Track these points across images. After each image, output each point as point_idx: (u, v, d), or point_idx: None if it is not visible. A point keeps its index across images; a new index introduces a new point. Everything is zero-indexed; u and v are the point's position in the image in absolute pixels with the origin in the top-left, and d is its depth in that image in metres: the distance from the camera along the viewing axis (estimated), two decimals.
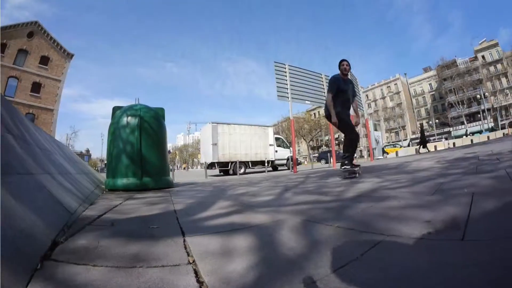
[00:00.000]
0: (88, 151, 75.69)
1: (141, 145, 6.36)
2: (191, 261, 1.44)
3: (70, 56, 44.05)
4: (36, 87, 39.31)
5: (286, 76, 14.10)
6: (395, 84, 76.35)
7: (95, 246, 1.66)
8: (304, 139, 69.35)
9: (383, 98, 78.00)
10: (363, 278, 1.11)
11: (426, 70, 72.95)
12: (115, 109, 7.10)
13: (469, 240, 1.36)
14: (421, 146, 21.36)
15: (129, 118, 6.45)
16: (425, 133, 22.86)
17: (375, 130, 24.99)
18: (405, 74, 72.87)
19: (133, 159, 6.20)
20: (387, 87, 77.86)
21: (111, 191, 5.99)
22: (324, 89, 15.36)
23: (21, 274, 1.14)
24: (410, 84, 73.86)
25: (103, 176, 9.27)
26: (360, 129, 70.48)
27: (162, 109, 7.39)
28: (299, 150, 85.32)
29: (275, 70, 14.00)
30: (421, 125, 24.97)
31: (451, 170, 4.07)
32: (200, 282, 1.21)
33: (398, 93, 75.14)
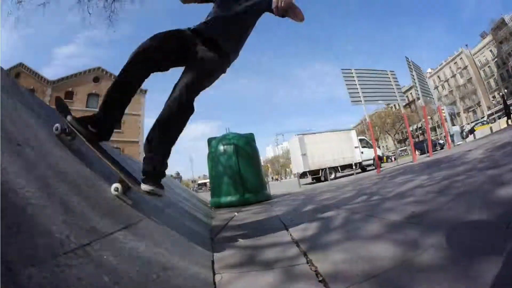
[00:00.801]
0: (178, 174, 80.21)
1: (239, 167, 7.50)
2: (293, 239, 2.54)
3: (143, 91, 49.01)
4: None
5: (355, 80, 14.64)
6: (460, 58, 70.77)
7: (236, 235, 3.06)
8: (389, 134, 67.55)
9: (454, 76, 72.65)
10: (354, 235, 2.29)
11: (483, 36, 66.28)
12: (210, 140, 8.53)
13: (425, 224, 2.14)
14: (508, 118, 20.81)
15: (225, 146, 7.81)
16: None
17: (453, 124, 24.47)
18: (466, 45, 67.99)
19: (234, 179, 7.41)
20: (454, 63, 72.34)
21: (217, 208, 7.15)
22: (393, 86, 15.67)
23: (208, 247, 2.50)
24: (473, 55, 67.70)
25: (200, 195, 10.87)
26: (434, 118, 66.44)
27: (251, 134, 8.67)
28: (386, 145, 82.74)
29: (344, 76, 14.69)
30: (503, 95, 23.97)
31: (480, 164, 4.56)
32: (298, 246, 2.24)
33: (465, 67, 69.08)
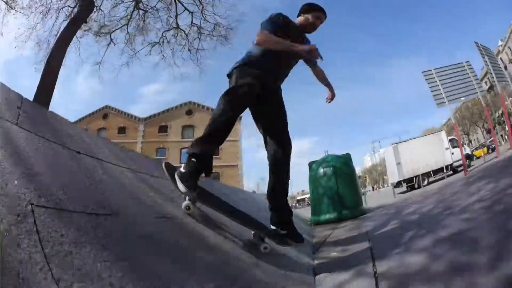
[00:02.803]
0: None
1: (338, 187, 8.24)
2: (369, 246, 3.29)
3: (239, 118, 50.66)
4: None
5: (436, 81, 14.92)
6: None
7: (331, 249, 4.00)
8: (477, 126, 62.55)
9: None
10: (407, 249, 3.01)
11: None
12: (310, 164, 9.53)
13: (455, 241, 2.76)
14: None
15: (325, 169, 8.69)
16: None
17: None
18: None
19: (333, 199, 8.14)
20: None
21: (316, 225, 7.88)
22: (471, 78, 15.36)
23: (311, 258, 3.61)
24: None
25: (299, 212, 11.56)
26: (511, 103, 57.30)
27: (348, 154, 9.47)
28: (477, 138, 75.59)
29: (426, 79, 15.12)
30: None
31: None
32: (372, 255, 2.90)
33: None
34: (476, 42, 15.83)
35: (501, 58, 61.65)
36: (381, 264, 2.72)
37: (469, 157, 23.54)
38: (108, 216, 1.65)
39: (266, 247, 2.87)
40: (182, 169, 2.71)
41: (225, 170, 46.38)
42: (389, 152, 23.64)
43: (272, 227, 3.17)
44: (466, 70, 15.60)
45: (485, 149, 32.34)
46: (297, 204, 69.84)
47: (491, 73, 15.79)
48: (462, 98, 15.60)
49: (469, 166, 19.40)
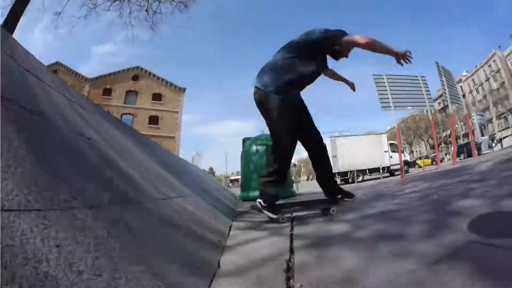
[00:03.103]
0: (211, 169, 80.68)
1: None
2: (291, 215, 3.31)
3: (182, 90, 52.24)
4: (153, 120, 48.07)
5: (386, 86, 14.78)
6: (493, 61, 64.42)
7: (250, 217, 3.88)
8: (422, 139, 66.19)
9: (487, 80, 66.68)
10: (331, 218, 2.96)
11: None
12: (244, 140, 9.37)
13: (380, 216, 2.87)
14: None
15: (258, 146, 8.48)
16: None
17: (482, 134, 24.36)
18: (499, 47, 61.04)
19: None
20: (488, 66, 66.46)
21: (244, 201, 7.88)
22: (423, 92, 15.66)
23: (231, 219, 3.50)
24: (506, 57, 60.98)
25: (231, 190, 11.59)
26: (461, 127, 63.02)
27: None
28: (420, 150, 79.67)
29: (375, 82, 14.87)
30: None
31: (475, 177, 4.72)
32: (292, 220, 3.08)
33: (498, 71, 62.69)
34: (436, 62, 16.04)
35: (461, 87, 65.39)
36: (300, 228, 2.64)
37: (407, 163, 24.37)
38: (37, 116, 1.87)
39: (334, 209, 3.39)
40: (263, 203, 3.21)
41: (162, 141, 45.27)
42: (327, 144, 23.19)
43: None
44: (419, 83, 15.77)
45: (429, 160, 33.77)
46: (230, 184, 70.45)
47: (445, 92, 16.03)
48: (409, 108, 15.91)
49: (406, 171, 19.90)
